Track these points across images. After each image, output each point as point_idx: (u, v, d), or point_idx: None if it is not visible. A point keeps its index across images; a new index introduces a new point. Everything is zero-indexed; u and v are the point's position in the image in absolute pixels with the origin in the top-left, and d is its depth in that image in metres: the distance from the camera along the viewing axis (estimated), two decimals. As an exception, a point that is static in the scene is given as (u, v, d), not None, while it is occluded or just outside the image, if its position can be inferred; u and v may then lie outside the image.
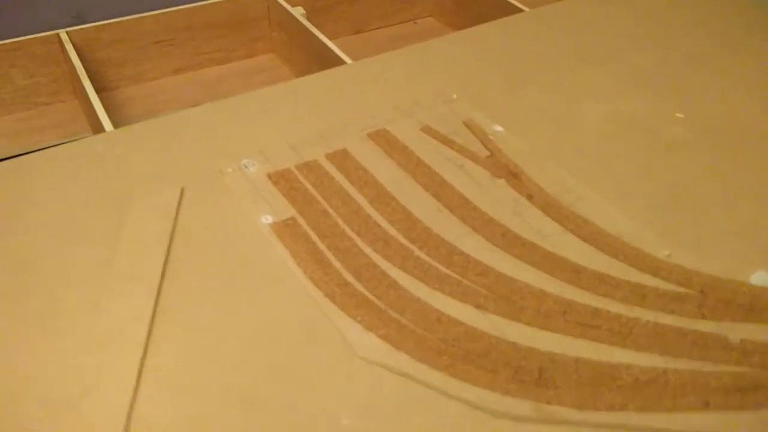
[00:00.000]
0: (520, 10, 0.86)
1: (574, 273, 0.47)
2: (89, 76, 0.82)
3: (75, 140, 0.61)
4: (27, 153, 0.60)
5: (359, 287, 0.46)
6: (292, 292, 0.45)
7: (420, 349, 0.42)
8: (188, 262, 0.48)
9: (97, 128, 0.66)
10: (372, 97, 0.66)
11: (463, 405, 0.39)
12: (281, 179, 0.55)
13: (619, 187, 0.55)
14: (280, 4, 0.87)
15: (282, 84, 0.69)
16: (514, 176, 0.56)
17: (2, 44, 0.75)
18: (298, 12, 0.89)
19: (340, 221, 0.51)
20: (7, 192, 0.53)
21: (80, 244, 0.48)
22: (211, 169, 0.56)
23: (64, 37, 0.76)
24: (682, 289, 0.46)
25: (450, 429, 0.38)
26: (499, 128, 0.62)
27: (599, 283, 0.47)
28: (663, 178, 0.56)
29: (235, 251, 0.49)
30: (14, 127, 0.78)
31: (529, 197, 0.54)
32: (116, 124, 0.77)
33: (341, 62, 0.75)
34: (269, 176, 0.55)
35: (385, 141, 0.60)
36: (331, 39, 0.99)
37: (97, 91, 0.82)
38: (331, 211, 0.52)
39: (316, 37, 0.80)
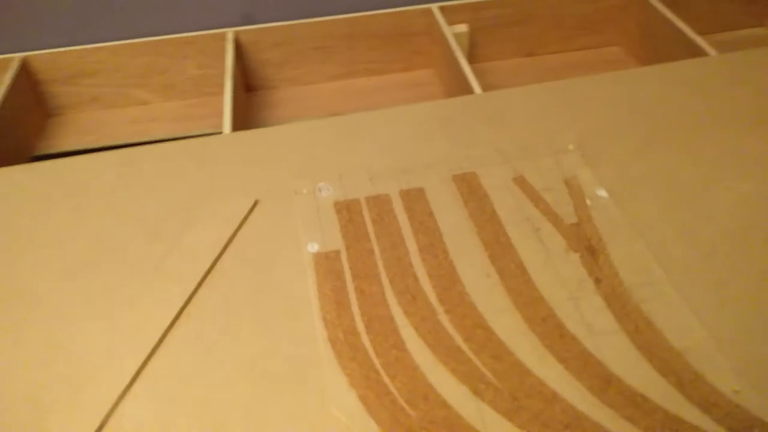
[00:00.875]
0: (705, 54, 0.75)
1: (603, 383, 0.41)
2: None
3: (206, 135, 0.67)
4: (155, 142, 0.67)
5: (364, 339, 0.45)
6: (301, 327, 0.46)
7: (391, 422, 0.40)
8: (229, 274, 0.50)
9: (236, 126, 0.70)
10: (478, 134, 0.63)
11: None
12: (345, 209, 0.55)
13: (715, 294, 0.46)
14: (442, 19, 0.86)
15: (397, 108, 0.68)
16: (591, 253, 0.50)
17: (179, 37, 0.84)
18: (457, 29, 0.87)
19: (380, 264, 0.50)
20: (111, 178, 0.59)
21: (149, 239, 0.53)
22: (290, 187, 0.58)
23: (229, 35, 0.83)
24: (732, 439, 0.38)
25: None
26: (603, 193, 0.55)
27: (628, 402, 0.40)
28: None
29: (272, 273, 0.50)
30: (181, 112, 0.88)
31: (597, 281, 0.48)
32: (258, 124, 0.83)
33: (468, 91, 0.73)
34: (335, 204, 0.55)
35: (468, 186, 0.57)
36: (496, 60, 0.97)
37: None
38: (377, 251, 0.51)
39: (456, 60, 0.78)
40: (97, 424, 0.39)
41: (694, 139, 0.60)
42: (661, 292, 0.47)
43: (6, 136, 0.73)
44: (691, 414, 0.39)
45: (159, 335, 0.44)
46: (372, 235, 0.52)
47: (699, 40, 0.76)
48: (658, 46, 0.87)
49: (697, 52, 0.76)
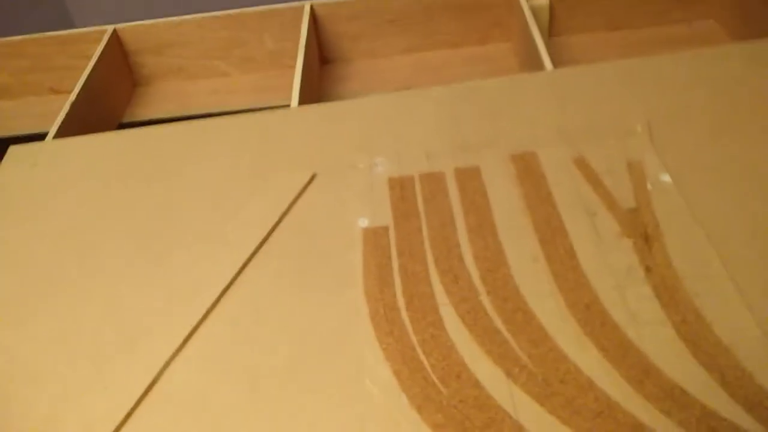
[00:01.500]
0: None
1: (642, 374, 0.40)
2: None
3: (275, 108, 0.69)
4: (230, 113, 0.70)
5: (404, 315, 0.46)
6: (345, 300, 0.47)
7: (422, 397, 0.41)
8: (282, 244, 0.52)
9: (306, 98, 0.72)
10: (542, 113, 0.61)
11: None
12: (398, 185, 0.56)
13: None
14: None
15: (461, 84, 0.67)
16: (645, 240, 0.49)
17: (257, 10, 0.86)
18: (536, 1, 0.85)
19: (426, 242, 0.51)
20: (182, 148, 0.63)
21: (212, 207, 0.56)
22: (348, 161, 0.59)
23: (306, 9, 0.85)
24: (773, 442, 0.36)
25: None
26: (666, 178, 0.53)
27: (665, 395, 0.39)
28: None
29: (323, 246, 0.52)
30: (258, 84, 0.91)
31: (647, 270, 0.46)
32: (331, 96, 0.85)
33: (540, 66, 0.71)
34: (389, 180, 0.56)
35: (525, 166, 0.56)
36: (579, 34, 0.93)
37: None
38: (425, 229, 0.52)
39: (531, 35, 0.76)
40: (149, 381, 0.43)
41: (779, 125, 0.56)
42: (717, 286, 0.45)
43: (96, 104, 0.78)
44: (732, 411, 0.38)
45: (212, 300, 0.47)
46: (422, 213, 0.53)
47: (796, 15, 0.70)
48: (754, 21, 0.81)
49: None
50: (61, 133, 0.68)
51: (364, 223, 0.53)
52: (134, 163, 0.62)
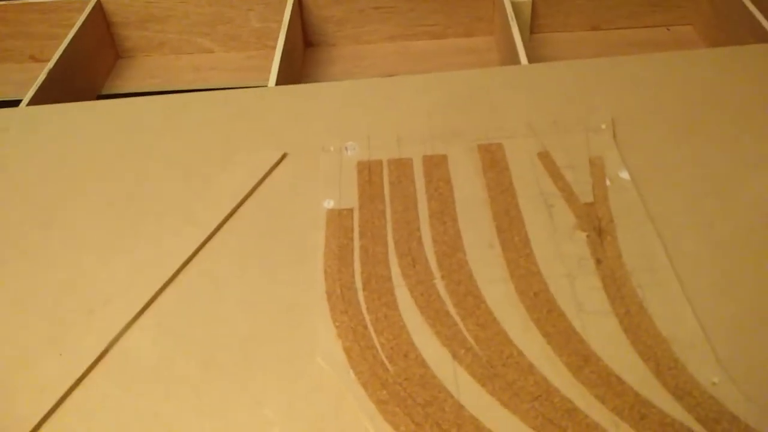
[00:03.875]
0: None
1: (582, 361, 0.42)
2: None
3: (253, 87, 0.70)
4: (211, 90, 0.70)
5: (360, 295, 0.47)
6: (304, 278, 0.48)
7: (369, 374, 0.42)
8: (247, 221, 0.53)
9: (286, 80, 0.73)
10: (512, 106, 0.62)
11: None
12: (366, 169, 0.57)
13: (717, 288, 0.45)
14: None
15: (436, 74, 0.69)
16: (598, 233, 0.50)
17: (242, -10, 0.87)
18: (517, -1, 0.86)
19: (389, 225, 0.52)
20: (158, 121, 0.64)
21: (182, 182, 0.57)
22: (320, 143, 0.60)
23: (291, -9, 0.85)
24: (698, 428, 0.38)
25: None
26: (625, 175, 0.55)
27: (601, 382, 0.41)
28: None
29: (287, 225, 0.53)
30: (241, 63, 0.91)
31: (598, 262, 0.48)
32: (313, 79, 0.86)
33: (518, 61, 0.72)
34: (358, 164, 0.57)
35: (491, 157, 0.57)
36: (559, 32, 0.95)
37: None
38: (388, 212, 0.53)
39: (510, 30, 0.77)
40: (103, 347, 0.44)
41: (737, 130, 0.58)
42: (662, 280, 0.46)
43: (75, 74, 0.79)
44: (662, 400, 0.39)
45: (172, 272, 0.48)
46: (387, 197, 0.54)
47: (766, 24, 0.72)
48: (730, 29, 0.83)
49: (764, 37, 0.72)
50: (37, 100, 0.69)
51: (329, 204, 0.54)
52: (107, 134, 0.63)
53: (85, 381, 0.43)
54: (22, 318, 0.47)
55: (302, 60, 0.89)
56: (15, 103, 0.68)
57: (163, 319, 0.46)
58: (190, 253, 0.50)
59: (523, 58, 0.71)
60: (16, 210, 0.56)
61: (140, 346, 0.44)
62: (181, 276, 0.49)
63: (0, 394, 0.42)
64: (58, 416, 0.41)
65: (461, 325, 0.45)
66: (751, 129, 0.58)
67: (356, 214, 0.53)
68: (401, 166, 0.57)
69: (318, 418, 0.40)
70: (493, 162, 0.57)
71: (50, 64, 0.73)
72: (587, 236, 0.50)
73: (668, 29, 0.95)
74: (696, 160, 0.56)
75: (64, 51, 0.76)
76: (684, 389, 0.40)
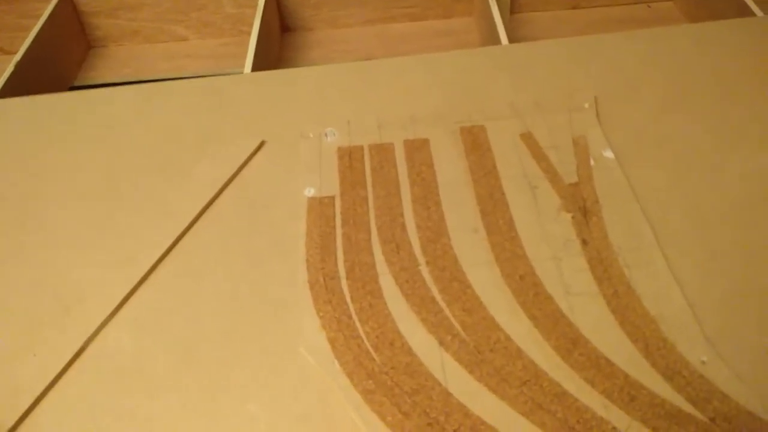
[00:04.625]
0: (752, 14, 0.71)
1: (570, 344, 0.41)
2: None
3: (229, 74, 0.68)
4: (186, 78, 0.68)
5: (343, 284, 0.46)
6: (286, 269, 0.47)
7: (354, 364, 0.41)
8: (225, 211, 0.52)
9: (263, 66, 0.71)
10: (494, 87, 0.61)
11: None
12: (347, 155, 0.56)
13: (704, 266, 0.45)
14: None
15: (416, 56, 0.67)
16: (584, 214, 0.49)
17: (215, -25, 0.84)
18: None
19: (371, 212, 0.51)
20: (132, 112, 0.62)
21: (157, 173, 0.55)
22: (298, 130, 0.58)
23: (264, -25, 0.83)
24: (689, 408, 0.38)
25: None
26: (609, 154, 0.54)
27: (590, 365, 0.40)
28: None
29: (267, 214, 0.51)
30: (216, 50, 0.89)
31: (584, 243, 0.47)
32: (291, 64, 0.84)
33: (498, 42, 0.71)
34: (338, 150, 0.56)
35: (473, 139, 0.56)
36: (539, 11, 0.93)
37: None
38: (371, 199, 0.52)
39: (490, 10, 0.76)
40: (80, 345, 0.42)
41: (720, 106, 0.57)
42: (648, 259, 0.46)
43: (45, 65, 0.76)
44: (652, 380, 0.39)
45: (149, 266, 0.47)
46: (369, 183, 0.53)
47: (748, -2, 0.71)
48: (710, 4, 0.82)
49: (744, 11, 0.72)
50: (5, 94, 0.66)
51: (310, 192, 0.53)
52: (80, 125, 0.61)
53: (61, 381, 0.41)
54: (-2, 318, 0.46)
55: (279, 45, 0.88)
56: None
57: (141, 314, 0.45)
58: (167, 246, 0.48)
59: (503, 39, 0.70)
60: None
61: (118, 343, 0.43)
62: (158, 270, 0.48)
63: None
64: (33, 418, 0.40)
65: (447, 311, 0.44)
66: (735, 104, 0.57)
67: (338, 202, 0.52)
68: (382, 151, 0.56)
69: (303, 411, 0.39)
70: (476, 144, 0.56)
71: (17, 56, 0.71)
72: (572, 217, 0.49)
73: (649, 6, 0.94)
74: (680, 136, 0.55)
75: (33, 42, 0.74)
76: (674, 369, 0.39)
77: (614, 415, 0.38)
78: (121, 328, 0.44)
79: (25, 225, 0.52)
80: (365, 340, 0.42)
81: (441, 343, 0.42)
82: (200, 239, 0.50)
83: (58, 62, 0.81)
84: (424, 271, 0.46)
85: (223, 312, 0.45)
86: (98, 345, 0.43)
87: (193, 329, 0.44)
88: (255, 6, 0.86)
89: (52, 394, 0.41)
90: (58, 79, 0.80)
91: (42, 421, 0.40)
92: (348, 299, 0.45)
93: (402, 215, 0.50)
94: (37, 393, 0.40)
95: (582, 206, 0.50)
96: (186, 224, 0.50)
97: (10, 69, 0.69)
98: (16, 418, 0.39)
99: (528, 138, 0.56)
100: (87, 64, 0.87)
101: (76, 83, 0.83)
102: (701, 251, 0.46)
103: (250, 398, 0.40)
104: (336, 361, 0.41)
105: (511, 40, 0.70)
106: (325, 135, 0.58)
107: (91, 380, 0.41)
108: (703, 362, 0.40)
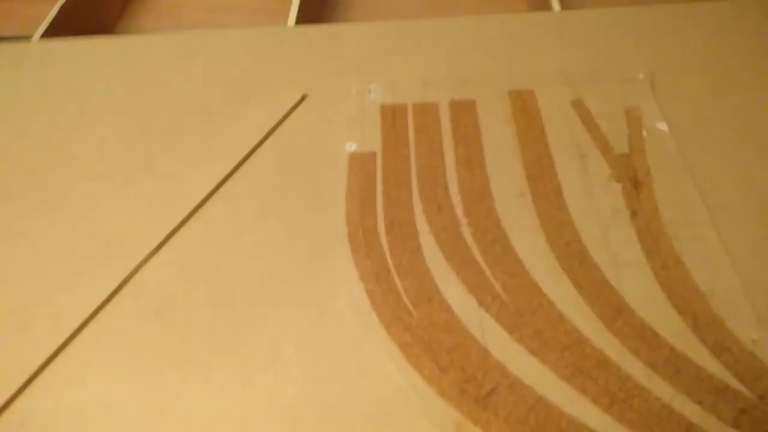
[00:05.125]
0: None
1: (615, 312, 0.40)
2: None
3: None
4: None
5: (383, 239, 0.45)
6: (325, 221, 0.46)
7: (392, 318, 0.40)
8: (267, 161, 0.51)
9: (305, 20, 0.70)
10: (544, 53, 0.60)
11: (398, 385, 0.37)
12: (390, 113, 0.54)
13: (758, 244, 0.43)
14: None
15: (464, 17, 0.65)
16: (635, 185, 0.48)
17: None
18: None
19: (413, 171, 0.50)
20: (175, 60, 0.61)
21: (199, 120, 0.55)
22: (341, 85, 0.57)
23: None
24: (737, 385, 0.36)
25: (367, 400, 0.36)
26: (663, 126, 0.52)
27: (635, 334, 0.39)
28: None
29: (307, 167, 0.51)
30: (256, 5, 0.88)
31: (633, 214, 0.46)
32: (332, 19, 0.82)
33: (549, 8, 0.69)
34: (382, 107, 0.55)
35: (521, 104, 0.55)
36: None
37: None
38: (413, 158, 0.51)
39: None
40: (119, 282, 0.42)
41: (780, 82, 0.55)
42: (700, 234, 0.44)
43: (87, 11, 0.76)
44: (699, 355, 0.38)
45: (191, 209, 0.46)
46: (411, 142, 0.52)
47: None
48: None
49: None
50: (49, 36, 0.66)
51: (351, 147, 0.52)
52: (123, 70, 0.60)
53: (102, 313, 0.41)
54: (37, 253, 0.46)
55: (322, 2, 0.86)
56: (26, 40, 0.65)
57: (181, 255, 0.45)
58: (209, 190, 0.48)
59: (555, 5, 0.68)
60: (31, 146, 0.54)
61: (157, 281, 0.43)
62: (199, 213, 0.47)
63: (18, 325, 0.41)
64: (73, 347, 0.40)
65: (488, 272, 0.43)
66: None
67: (379, 159, 0.51)
68: (427, 111, 0.54)
69: (338, 359, 0.38)
70: (524, 109, 0.54)
71: (62, 0, 0.71)
72: (622, 187, 0.48)
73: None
74: (737, 113, 0.53)
75: (77, -14, 0.73)
76: (722, 345, 0.38)
77: (657, 385, 0.36)
78: (161, 267, 0.44)
79: (66, 164, 0.52)
80: (403, 295, 0.42)
81: (481, 303, 0.41)
82: (240, 187, 0.49)
83: (100, 9, 0.80)
84: (466, 232, 0.45)
85: (260, 259, 0.44)
86: (138, 281, 0.43)
87: (230, 274, 0.43)
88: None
89: (91, 325, 0.41)
90: (99, 27, 0.80)
91: (80, 351, 0.40)
92: (387, 254, 0.44)
93: (444, 175, 0.49)
94: (77, 324, 0.40)
95: (633, 177, 0.48)
96: (227, 172, 0.49)
97: (53, 12, 0.69)
98: (56, 346, 0.39)
99: (579, 105, 0.54)
100: (127, 14, 0.86)
101: (116, 33, 0.82)
102: (755, 229, 0.44)
103: (286, 343, 0.39)
104: (374, 313, 0.41)
105: (564, 6, 0.67)
106: (369, 91, 0.57)
107: (130, 315, 0.41)
108: (754, 341, 0.38)
